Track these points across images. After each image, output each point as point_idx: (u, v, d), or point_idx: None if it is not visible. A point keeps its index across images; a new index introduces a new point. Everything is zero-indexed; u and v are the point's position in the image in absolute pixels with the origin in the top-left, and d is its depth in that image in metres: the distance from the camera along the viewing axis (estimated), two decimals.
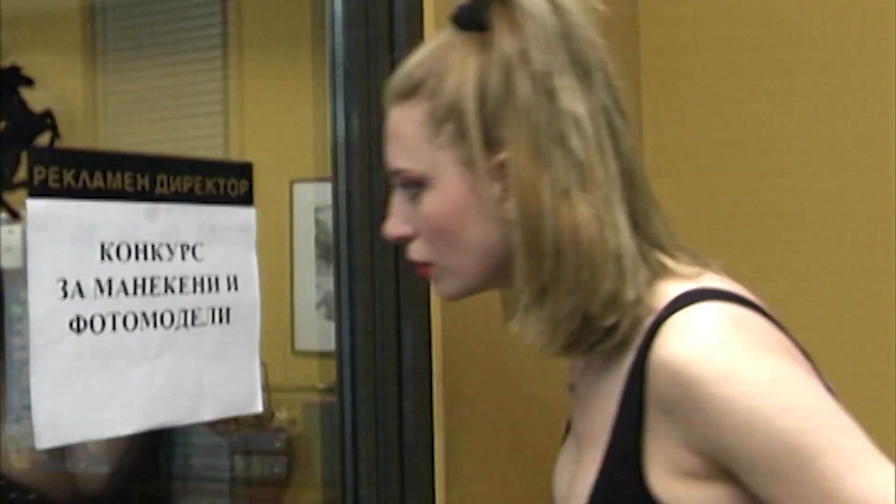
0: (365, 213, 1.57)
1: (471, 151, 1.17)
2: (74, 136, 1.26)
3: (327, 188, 1.60)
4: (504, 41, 1.15)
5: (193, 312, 1.37)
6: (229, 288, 1.41)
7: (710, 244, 1.84)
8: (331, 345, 1.62)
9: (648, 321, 1.12)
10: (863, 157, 1.94)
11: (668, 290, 1.14)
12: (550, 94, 1.14)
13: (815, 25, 1.97)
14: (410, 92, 1.20)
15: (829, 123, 1.97)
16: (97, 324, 1.26)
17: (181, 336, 1.35)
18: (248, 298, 1.43)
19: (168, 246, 1.34)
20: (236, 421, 2.60)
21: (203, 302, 1.38)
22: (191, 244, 1.36)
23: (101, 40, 2.45)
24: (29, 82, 1.23)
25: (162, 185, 1.33)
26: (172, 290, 1.34)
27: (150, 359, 1.31)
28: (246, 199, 1.44)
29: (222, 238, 1.40)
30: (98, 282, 1.26)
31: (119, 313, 1.28)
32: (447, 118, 1.18)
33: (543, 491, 1.80)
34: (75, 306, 1.23)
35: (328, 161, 1.59)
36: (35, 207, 1.21)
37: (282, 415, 2.64)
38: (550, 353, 1.17)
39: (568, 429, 1.31)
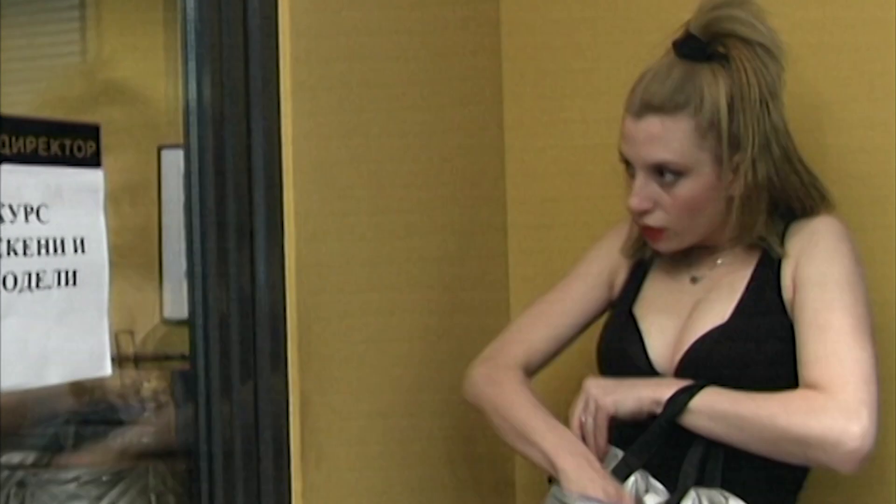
0: (217, 179, 1.59)
1: (722, 152, 1.68)
2: None
3: None
4: (741, 70, 1.67)
5: (38, 275, 1.37)
6: (76, 250, 1.42)
7: (566, 241, 1.90)
8: None
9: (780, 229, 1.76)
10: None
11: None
12: (763, 113, 1.68)
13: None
14: (676, 109, 1.68)
15: None
16: None
17: (25, 299, 1.36)
18: (96, 261, 1.44)
19: (10, 207, 1.34)
20: (103, 391, 2.60)
21: (48, 264, 1.39)
22: (35, 206, 1.37)
23: None
24: None
25: (3, 145, 1.34)
26: (15, 253, 1.35)
27: None
28: (93, 161, 1.45)
29: (68, 200, 1.41)
30: None
31: None
32: (709, 130, 1.68)
33: (400, 444, 1.85)
34: None
35: (180, 127, 1.61)
36: None
37: (150, 384, 2.64)
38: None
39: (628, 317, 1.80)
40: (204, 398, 1.61)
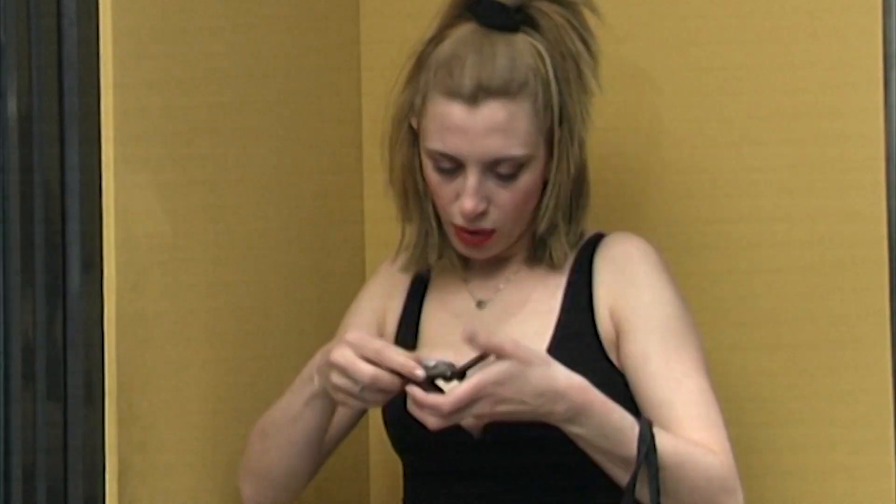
0: (23, 209, 1.47)
1: (554, 132, 1.56)
2: None
3: None
4: (556, 33, 1.56)
5: None
6: None
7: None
8: None
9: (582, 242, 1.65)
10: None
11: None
12: (580, 81, 1.58)
13: None
14: (520, 90, 1.54)
15: None
16: None
17: None
18: None
19: None
20: None
21: None
22: None
23: None
24: None
25: None
26: None
27: None
28: None
29: None
30: None
31: None
32: (545, 109, 1.55)
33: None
34: None
35: None
36: None
37: None
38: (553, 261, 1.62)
39: None
40: (2, 464, 1.47)
